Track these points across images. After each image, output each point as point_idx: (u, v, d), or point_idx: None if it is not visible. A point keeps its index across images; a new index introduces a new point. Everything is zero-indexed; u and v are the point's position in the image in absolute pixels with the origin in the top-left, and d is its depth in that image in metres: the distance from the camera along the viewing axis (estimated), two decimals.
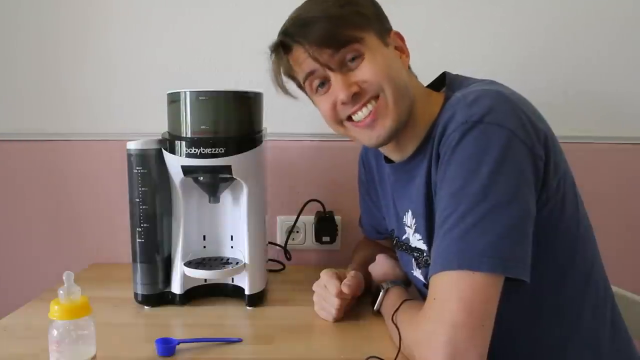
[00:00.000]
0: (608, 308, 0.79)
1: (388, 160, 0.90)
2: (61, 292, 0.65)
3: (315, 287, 0.93)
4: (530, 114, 0.69)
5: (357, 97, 0.76)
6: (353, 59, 0.76)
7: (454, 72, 0.84)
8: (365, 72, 0.75)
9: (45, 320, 0.65)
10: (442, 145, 0.71)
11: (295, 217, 1.24)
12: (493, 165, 0.64)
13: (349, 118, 0.79)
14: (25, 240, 1.31)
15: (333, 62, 0.75)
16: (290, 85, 0.85)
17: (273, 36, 0.81)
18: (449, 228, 0.65)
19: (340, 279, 0.90)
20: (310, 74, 0.78)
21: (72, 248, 1.30)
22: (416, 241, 0.83)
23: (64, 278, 0.65)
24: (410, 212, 0.84)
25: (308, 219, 1.27)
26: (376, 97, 0.76)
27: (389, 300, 0.86)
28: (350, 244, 1.24)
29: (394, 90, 0.76)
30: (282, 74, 0.83)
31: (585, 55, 1.25)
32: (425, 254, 0.81)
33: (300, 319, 0.92)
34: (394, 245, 0.95)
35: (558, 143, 0.73)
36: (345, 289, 0.87)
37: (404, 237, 0.88)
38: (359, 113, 0.77)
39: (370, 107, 0.76)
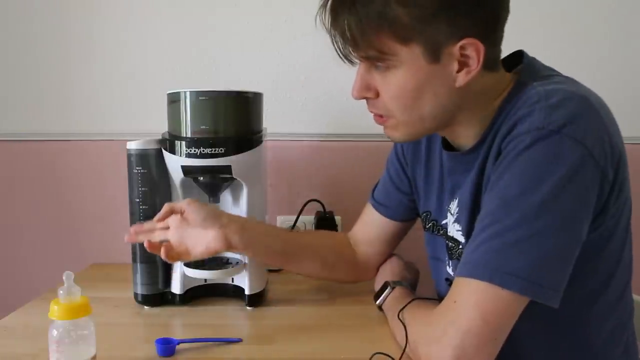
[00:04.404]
0: (626, 332, 0.76)
1: (447, 146, 0.81)
2: (61, 292, 0.64)
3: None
4: (610, 127, 0.64)
5: (368, 101, 0.72)
6: (380, 61, 0.68)
7: None
8: (385, 88, 0.69)
9: (45, 320, 0.65)
10: (507, 142, 0.64)
11: (295, 217, 1.24)
12: (558, 182, 0.59)
13: None
14: (26, 240, 1.31)
15: (355, 56, 0.69)
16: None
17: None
18: (491, 236, 0.61)
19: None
20: None
21: (72, 248, 1.30)
22: (454, 231, 0.79)
23: (64, 278, 0.65)
24: (456, 201, 0.78)
25: (308, 219, 1.27)
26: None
27: (394, 298, 0.85)
28: None
29: (406, 120, 0.71)
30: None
31: (585, 55, 1.25)
32: (461, 246, 0.77)
33: (300, 319, 0.92)
34: (427, 228, 0.88)
35: (627, 163, 0.67)
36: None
37: (443, 222, 0.83)
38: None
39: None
